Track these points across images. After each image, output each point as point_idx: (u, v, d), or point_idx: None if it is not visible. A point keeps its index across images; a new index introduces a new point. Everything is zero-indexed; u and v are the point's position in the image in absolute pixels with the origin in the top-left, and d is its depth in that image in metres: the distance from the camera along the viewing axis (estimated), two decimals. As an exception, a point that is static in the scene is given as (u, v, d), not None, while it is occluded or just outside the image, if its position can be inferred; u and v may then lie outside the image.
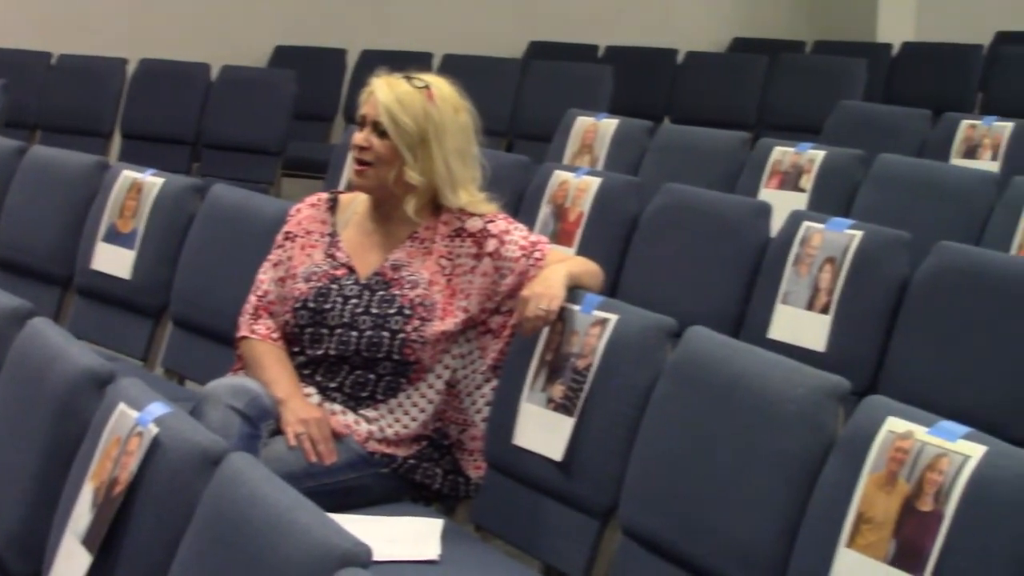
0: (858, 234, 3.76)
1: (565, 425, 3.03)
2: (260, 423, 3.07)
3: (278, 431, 3.14)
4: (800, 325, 3.77)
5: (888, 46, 8.69)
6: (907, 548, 2.27)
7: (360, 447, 3.19)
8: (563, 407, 3.05)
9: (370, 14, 8.56)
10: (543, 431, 3.08)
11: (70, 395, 2.58)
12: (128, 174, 4.41)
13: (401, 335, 3.21)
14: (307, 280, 3.31)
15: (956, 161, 5.48)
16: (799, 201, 4.79)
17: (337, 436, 3.17)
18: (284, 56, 8.20)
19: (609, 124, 5.76)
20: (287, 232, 3.42)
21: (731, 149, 5.36)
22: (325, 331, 3.25)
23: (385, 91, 3.24)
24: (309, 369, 3.28)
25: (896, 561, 2.28)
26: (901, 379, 3.53)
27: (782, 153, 5.04)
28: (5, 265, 4.68)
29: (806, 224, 3.89)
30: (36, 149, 4.99)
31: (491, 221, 3.30)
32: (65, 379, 2.60)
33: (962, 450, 2.27)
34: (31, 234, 4.62)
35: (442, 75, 3.39)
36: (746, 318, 3.97)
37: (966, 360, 3.45)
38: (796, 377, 2.63)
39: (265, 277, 3.38)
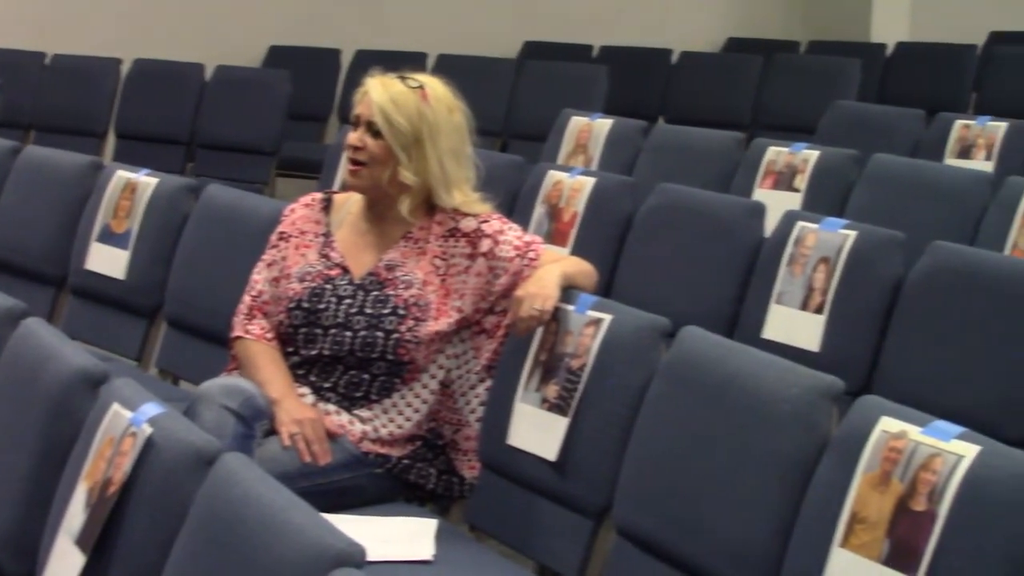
0: (852, 234, 3.76)
1: (559, 425, 3.03)
2: (254, 423, 3.07)
3: (272, 431, 3.14)
4: (794, 325, 3.78)
5: (882, 46, 8.70)
6: (901, 548, 2.28)
7: (354, 447, 3.19)
8: (557, 407, 3.05)
9: (364, 14, 8.56)
10: (537, 431, 3.08)
11: (64, 395, 2.57)
12: (122, 174, 4.41)
13: (395, 335, 3.21)
14: (301, 280, 3.30)
15: (950, 161, 5.49)
16: (793, 201, 4.80)
17: (331, 436, 3.17)
18: (278, 56, 8.20)
19: (603, 124, 5.76)
20: (281, 232, 3.41)
21: (725, 149, 5.37)
22: (319, 331, 3.25)
23: (379, 91, 3.24)
24: (303, 369, 3.27)
25: (890, 561, 2.29)
26: (895, 379, 3.53)
27: (776, 153, 5.05)
28: (-1, 265, 4.68)
29: (800, 224, 3.89)
30: (30, 149, 4.98)
31: (485, 221, 3.30)
32: (59, 379, 2.60)
33: (956, 450, 2.27)
34: (25, 234, 4.62)
35: (436, 75, 3.39)
36: (740, 318, 3.97)
37: (960, 360, 3.45)
38: (790, 377, 2.63)
39: (259, 277, 3.38)
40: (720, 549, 2.61)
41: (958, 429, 2.31)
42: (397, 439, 3.24)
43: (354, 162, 3.27)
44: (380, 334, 3.21)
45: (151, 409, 2.34)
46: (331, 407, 3.22)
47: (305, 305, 3.27)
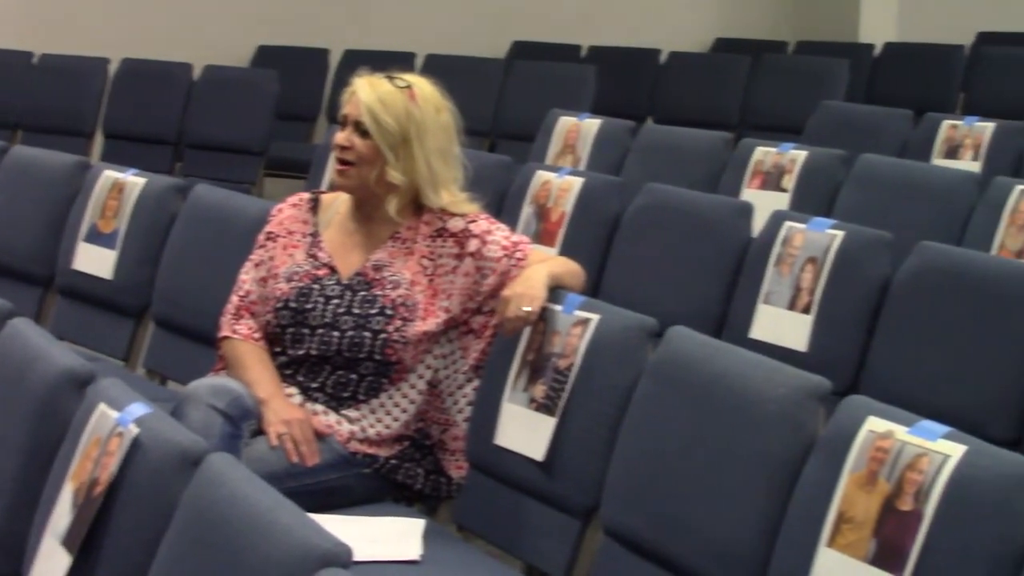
0: (839, 234, 3.77)
1: (547, 425, 3.03)
2: (242, 423, 3.07)
3: (260, 431, 3.13)
4: (782, 325, 3.78)
5: (870, 46, 8.71)
6: (887, 547, 2.28)
7: (342, 447, 3.19)
8: (545, 407, 3.05)
9: (353, 14, 8.55)
10: (525, 431, 3.09)
11: (50, 395, 2.57)
12: (110, 174, 4.40)
13: (383, 335, 3.21)
14: (289, 280, 3.30)
15: (937, 161, 5.49)
16: (781, 201, 4.80)
17: (319, 436, 3.16)
18: (267, 56, 8.19)
19: (592, 124, 5.76)
20: (269, 232, 3.41)
21: (713, 149, 5.37)
22: (307, 331, 3.24)
23: (367, 91, 3.24)
24: (291, 369, 3.27)
25: (876, 560, 2.29)
26: (882, 379, 3.54)
27: (764, 153, 5.05)
28: (-14, 265, 4.67)
29: (788, 224, 3.89)
30: (17, 149, 4.97)
31: (473, 221, 3.30)
32: (45, 380, 2.59)
33: (942, 449, 2.27)
34: (12, 234, 4.61)
35: (425, 75, 3.39)
36: (728, 318, 3.97)
37: (947, 360, 3.45)
38: (777, 377, 2.63)
39: (247, 277, 3.38)
40: (707, 549, 2.61)
41: (944, 429, 2.32)
42: (385, 439, 3.24)
43: (342, 162, 3.27)
44: (368, 334, 3.21)
45: (138, 409, 2.34)
46: (319, 407, 3.22)
47: (293, 305, 3.27)
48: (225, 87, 7.23)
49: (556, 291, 3.16)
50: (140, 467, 2.26)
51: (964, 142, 5.50)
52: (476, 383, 3.29)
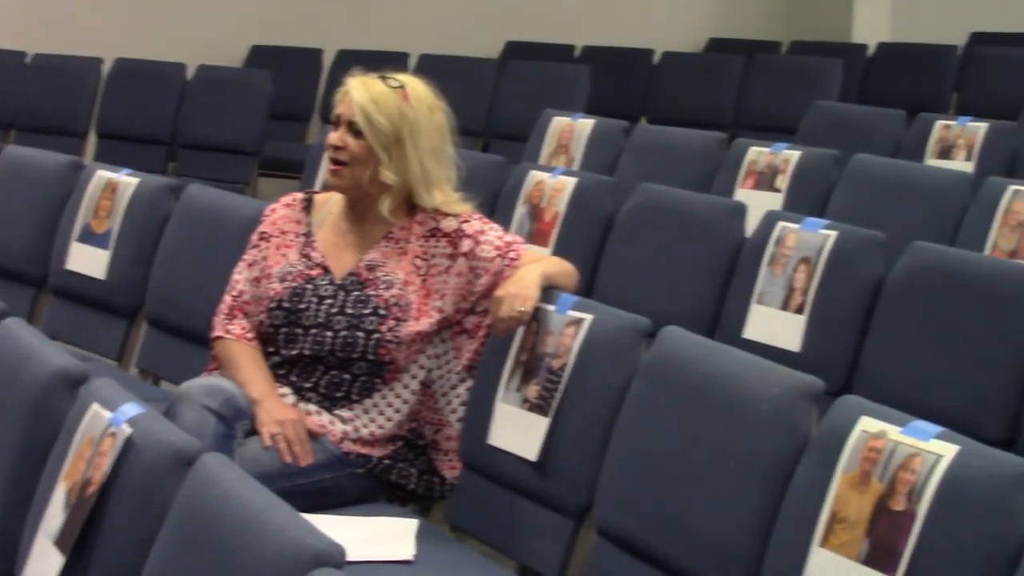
0: (833, 234, 3.77)
1: (540, 425, 3.03)
2: (235, 423, 3.06)
3: (253, 431, 3.13)
4: (775, 325, 3.78)
5: (863, 47, 8.71)
6: (880, 547, 2.28)
7: (335, 447, 3.19)
8: (538, 407, 3.05)
9: (346, 14, 8.55)
10: (518, 431, 3.09)
11: (43, 395, 2.57)
12: (103, 174, 4.40)
13: (376, 335, 3.21)
14: (282, 280, 3.30)
15: (931, 161, 5.50)
16: (774, 201, 4.80)
17: (312, 436, 3.16)
18: (260, 56, 8.18)
19: (585, 124, 5.76)
20: (262, 232, 3.41)
21: (707, 149, 5.37)
22: (300, 331, 3.24)
23: (360, 91, 3.24)
24: (284, 369, 3.27)
25: (869, 560, 2.29)
26: (875, 379, 3.54)
27: (757, 153, 5.05)
28: (-21, 265, 4.67)
29: (781, 224, 3.89)
30: (10, 149, 4.97)
31: (466, 221, 3.30)
32: (38, 380, 2.59)
33: (935, 449, 2.27)
34: (5, 234, 4.61)
35: (418, 75, 3.39)
36: (721, 318, 3.97)
37: (940, 360, 3.45)
38: (770, 377, 2.63)
39: (240, 277, 3.38)
40: (700, 549, 2.61)
41: (937, 429, 2.32)
42: (378, 439, 3.24)
43: (335, 162, 3.26)
44: (361, 334, 3.21)
45: (131, 409, 2.34)
46: (312, 407, 3.22)
47: (286, 305, 3.26)
48: (219, 87, 7.22)
49: (549, 291, 3.16)
50: (133, 467, 2.26)
51: (957, 142, 5.50)
52: (469, 383, 3.29)
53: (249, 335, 3.30)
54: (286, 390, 3.24)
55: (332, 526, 2.70)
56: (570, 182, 4.49)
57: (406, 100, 3.24)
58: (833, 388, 3.08)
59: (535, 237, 4.44)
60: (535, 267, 3.21)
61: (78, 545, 2.28)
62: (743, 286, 3.91)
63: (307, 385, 3.24)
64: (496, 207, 4.60)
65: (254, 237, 3.42)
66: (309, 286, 3.28)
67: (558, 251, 4.20)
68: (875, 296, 3.64)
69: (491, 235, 3.29)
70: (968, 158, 5.42)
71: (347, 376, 3.23)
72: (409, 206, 3.31)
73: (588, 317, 3.04)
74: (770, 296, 3.82)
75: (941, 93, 8.00)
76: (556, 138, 5.78)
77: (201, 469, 2.14)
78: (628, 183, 4.55)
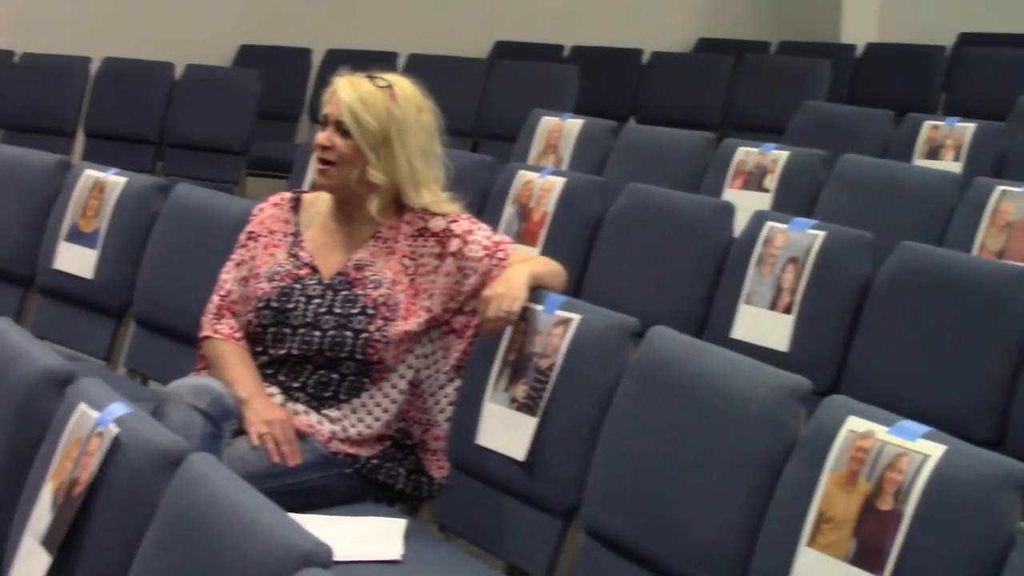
0: (821, 234, 3.77)
1: (528, 425, 3.03)
2: (223, 423, 3.06)
3: (241, 431, 3.13)
4: (763, 325, 3.78)
5: (852, 47, 8.72)
6: (867, 547, 2.28)
7: (323, 447, 3.19)
8: (526, 407, 3.05)
9: (335, 14, 8.54)
10: (506, 431, 3.09)
11: (30, 395, 2.56)
12: (91, 173, 4.40)
13: (364, 335, 3.21)
14: (270, 280, 3.30)
15: (919, 162, 5.50)
16: (763, 201, 4.80)
17: (300, 436, 3.16)
18: (249, 55, 8.18)
19: (574, 124, 5.76)
20: (250, 232, 3.41)
21: (695, 149, 5.37)
22: (288, 331, 3.24)
23: (348, 90, 3.24)
24: (272, 369, 3.27)
25: (856, 560, 2.29)
26: (863, 379, 3.54)
27: (746, 153, 5.05)
28: (-33, 265, 4.65)
29: (769, 224, 3.90)
30: (-2, 148, 4.97)
31: (454, 221, 3.30)
32: (25, 379, 2.59)
33: (922, 449, 2.28)
34: (-7, 233, 4.60)
35: (407, 75, 3.39)
36: (709, 318, 3.97)
37: (927, 360, 3.46)
38: (758, 377, 2.64)
39: (228, 277, 3.37)
40: (688, 548, 2.62)
41: (924, 429, 2.32)
42: (366, 439, 3.24)
43: (323, 161, 3.26)
44: (349, 334, 3.21)
45: (118, 409, 2.34)
46: (300, 407, 3.22)
47: (274, 304, 3.26)
48: (207, 86, 7.21)
49: (537, 291, 3.16)
50: (120, 467, 2.26)
51: (945, 143, 5.51)
52: (458, 383, 3.29)
53: (237, 335, 3.30)
54: (274, 389, 3.24)
55: (320, 526, 2.70)
56: (559, 182, 4.49)
57: (394, 100, 3.24)
58: (821, 388, 3.09)
59: (523, 237, 4.44)
60: (523, 267, 3.21)
61: (65, 545, 2.28)
62: (731, 286, 3.91)
63: (295, 385, 3.24)
64: (485, 207, 4.60)
65: (242, 237, 3.41)
66: (297, 286, 3.28)
67: (546, 251, 4.20)
68: (863, 296, 3.65)
69: (479, 235, 3.29)
70: (956, 158, 5.43)
71: (335, 376, 3.23)
72: (397, 206, 3.31)
73: (576, 317, 3.04)
74: (758, 296, 3.83)
75: (929, 93, 8.01)
76: (545, 138, 5.78)
77: (188, 469, 2.14)
78: (617, 183, 4.56)
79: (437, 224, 3.29)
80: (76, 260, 4.31)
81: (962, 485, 2.22)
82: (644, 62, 8.59)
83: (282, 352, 3.25)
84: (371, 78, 3.27)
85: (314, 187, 3.39)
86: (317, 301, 3.25)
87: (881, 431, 2.34)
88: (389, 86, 3.25)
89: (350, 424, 3.23)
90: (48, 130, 7.04)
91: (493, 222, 4.24)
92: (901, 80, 8.10)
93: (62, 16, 7.74)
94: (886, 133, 5.85)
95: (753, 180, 4.96)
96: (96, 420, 2.33)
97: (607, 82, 8.20)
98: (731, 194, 4.91)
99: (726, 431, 2.61)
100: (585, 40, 8.81)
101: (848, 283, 3.68)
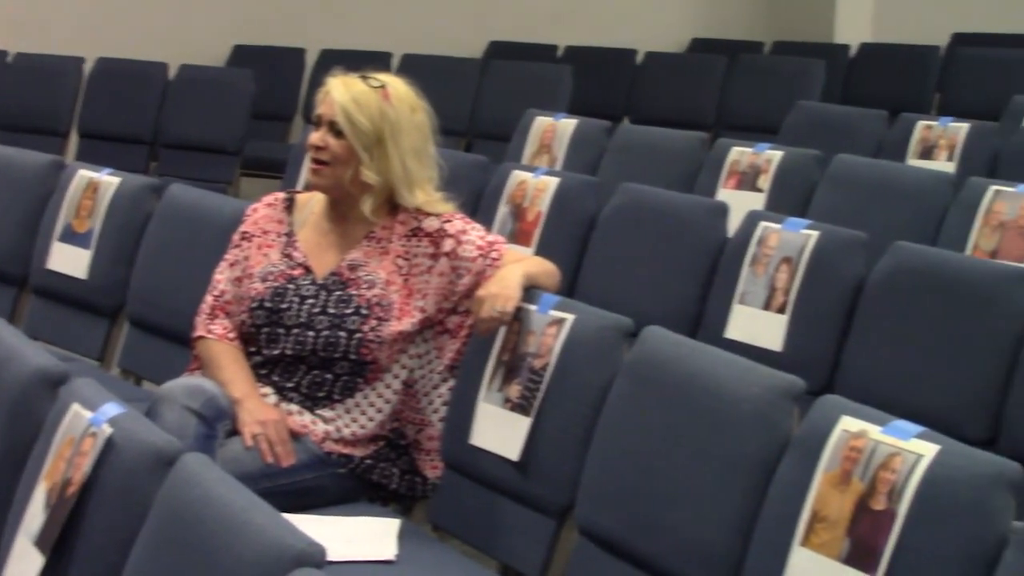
0: (814, 234, 3.77)
1: (522, 425, 3.03)
2: (216, 424, 3.06)
3: (235, 432, 3.13)
4: (757, 325, 3.79)
5: (846, 47, 8.73)
6: (861, 547, 2.29)
7: (317, 447, 3.18)
8: (520, 407, 3.05)
9: (329, 14, 8.54)
10: (500, 431, 3.09)
11: (23, 396, 2.56)
12: (84, 173, 4.39)
13: (358, 335, 3.21)
14: (264, 280, 3.30)
15: (912, 162, 5.51)
16: (756, 201, 4.81)
17: (294, 436, 3.16)
18: (242, 55, 8.17)
19: (568, 124, 5.76)
20: (244, 232, 3.41)
21: (689, 149, 5.37)
22: (282, 331, 3.24)
23: (341, 91, 3.24)
24: (266, 369, 3.27)
25: (850, 560, 2.30)
26: (857, 378, 3.55)
27: (740, 153, 5.06)
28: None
29: (763, 224, 3.90)
30: (-8, 148, 4.95)
31: (448, 221, 3.30)
32: (18, 380, 2.58)
33: (915, 449, 2.28)
34: (-14, 234, 4.60)
35: (401, 75, 3.39)
36: (703, 318, 3.98)
37: (921, 360, 3.46)
38: (751, 377, 2.64)
39: (221, 277, 3.37)
40: (681, 548, 2.62)
41: (917, 428, 2.32)
42: (360, 439, 3.24)
43: (316, 162, 3.26)
44: (343, 334, 3.21)
45: (111, 409, 2.33)
46: (294, 407, 3.22)
47: (268, 305, 3.26)
48: (201, 87, 7.21)
49: (531, 291, 3.16)
50: (113, 467, 2.25)
51: (939, 142, 5.51)
52: (451, 383, 3.29)
53: (231, 335, 3.30)
54: (268, 390, 3.24)
55: (314, 526, 2.69)
56: (552, 182, 4.49)
57: (387, 100, 3.24)
58: (814, 388, 3.07)
59: (517, 237, 4.44)
60: (517, 267, 3.21)
61: (58, 546, 2.28)
62: (725, 286, 3.91)
63: (289, 385, 3.24)
64: (479, 207, 4.60)
65: (236, 237, 3.41)
66: (291, 286, 3.28)
67: (540, 251, 4.20)
68: (856, 296, 3.65)
69: (473, 235, 3.29)
70: (950, 158, 5.44)
71: (329, 376, 3.23)
72: (391, 206, 3.31)
73: (570, 317, 3.04)
74: (752, 296, 3.83)
75: (923, 93, 8.02)
76: (539, 138, 5.78)
77: (182, 469, 2.14)
78: (611, 183, 4.56)
79: (431, 224, 3.29)
80: (70, 260, 4.30)
81: (955, 485, 2.22)
82: (638, 62, 8.59)
83: (276, 352, 3.25)
84: (364, 78, 3.27)
85: (308, 187, 3.39)
86: (311, 301, 3.25)
87: (874, 431, 2.35)
88: (382, 86, 3.25)
89: (344, 424, 3.23)
90: (41, 130, 7.04)
91: (487, 222, 4.25)
92: (895, 80, 8.11)
93: (56, 16, 7.73)
94: (880, 133, 5.85)
95: (747, 180, 4.97)
96: (89, 420, 2.33)
97: (601, 82, 8.20)
98: (725, 194, 4.92)
99: (720, 431, 2.61)
100: (579, 40, 8.81)
101: (842, 283, 3.68)
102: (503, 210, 4.55)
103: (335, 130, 3.23)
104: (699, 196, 4.79)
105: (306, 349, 3.22)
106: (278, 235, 3.37)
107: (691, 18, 9.70)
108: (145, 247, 4.16)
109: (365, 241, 3.30)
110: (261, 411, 3.15)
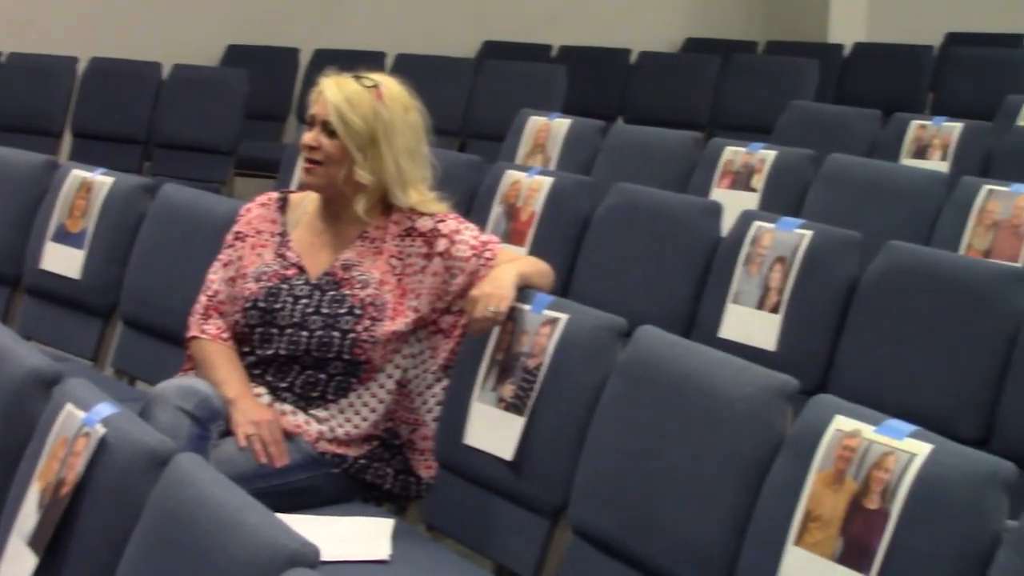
0: (808, 234, 3.77)
1: (515, 424, 3.03)
2: (209, 424, 3.05)
3: (228, 432, 3.12)
4: (751, 324, 3.79)
5: (839, 47, 8.74)
6: (854, 546, 2.29)
7: (310, 447, 3.18)
8: (514, 407, 3.05)
9: (323, 13, 8.54)
10: (494, 431, 3.09)
11: (17, 396, 2.56)
12: (78, 173, 4.39)
13: (352, 335, 3.21)
14: (257, 280, 3.30)
15: (906, 161, 5.52)
16: (750, 201, 4.81)
17: (287, 436, 3.16)
18: (236, 55, 8.17)
19: (562, 124, 5.76)
20: (237, 232, 3.40)
21: (683, 149, 5.37)
22: (275, 331, 3.24)
23: (334, 91, 3.23)
24: (259, 369, 3.27)
25: (843, 559, 2.30)
26: (850, 378, 3.55)
27: (734, 153, 5.06)
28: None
29: (757, 224, 3.90)
30: (-15, 148, 4.95)
31: (441, 220, 3.30)
32: (12, 380, 2.58)
33: (908, 448, 2.28)
34: (-21, 234, 4.59)
35: (395, 75, 3.39)
36: (697, 318, 3.97)
37: (915, 359, 3.46)
38: (745, 376, 2.64)
39: (215, 277, 3.37)
40: (675, 548, 2.62)
41: (911, 428, 2.32)
42: (354, 439, 3.24)
43: (310, 161, 3.26)
44: (336, 334, 3.21)
45: (105, 409, 2.33)
46: (287, 407, 3.22)
47: (261, 305, 3.26)
48: (194, 86, 7.21)
49: (525, 291, 3.16)
50: (107, 467, 2.25)
51: (932, 142, 5.52)
52: (445, 383, 3.29)
53: (224, 335, 3.30)
54: (261, 390, 3.24)
55: (307, 526, 2.70)
56: (546, 182, 4.49)
57: (380, 100, 3.23)
58: (808, 387, 3.09)
59: (511, 237, 4.44)
60: (511, 267, 3.21)
61: (51, 546, 2.28)
62: (719, 285, 3.91)
63: (283, 385, 3.24)
64: (472, 207, 4.60)
65: (229, 237, 3.41)
66: (284, 286, 3.27)
67: (534, 251, 4.20)
68: (850, 295, 3.65)
69: (467, 235, 3.29)
70: (943, 158, 5.44)
71: (323, 376, 3.23)
72: (385, 206, 3.31)
73: (564, 317, 3.04)
74: (746, 295, 3.83)
75: (917, 93, 8.04)
76: (533, 138, 5.79)
77: (175, 469, 2.14)
78: (604, 183, 4.56)
79: (424, 224, 3.29)
80: (63, 260, 4.30)
81: (949, 484, 2.22)
82: (632, 62, 8.60)
83: (269, 352, 3.24)
84: (358, 78, 3.26)
85: (301, 187, 3.39)
86: (304, 301, 3.25)
87: (868, 430, 2.35)
88: (375, 86, 3.25)
89: (338, 424, 3.23)
90: (35, 130, 7.03)
91: (480, 222, 4.24)
92: (888, 80, 8.13)
93: (49, 16, 7.72)
94: (873, 132, 5.86)
95: (741, 180, 4.97)
96: (83, 420, 2.33)
97: (595, 82, 8.20)
98: (719, 194, 4.92)
99: (714, 430, 2.61)
100: (573, 40, 8.82)
101: (835, 282, 3.69)
102: (497, 210, 4.55)
103: (328, 130, 3.23)
104: (693, 196, 4.79)
105: (300, 349, 3.22)
106: (272, 235, 3.37)
107: (685, 18, 9.71)
108: (139, 247, 4.15)
109: (359, 241, 3.30)
110: (255, 411, 3.14)
